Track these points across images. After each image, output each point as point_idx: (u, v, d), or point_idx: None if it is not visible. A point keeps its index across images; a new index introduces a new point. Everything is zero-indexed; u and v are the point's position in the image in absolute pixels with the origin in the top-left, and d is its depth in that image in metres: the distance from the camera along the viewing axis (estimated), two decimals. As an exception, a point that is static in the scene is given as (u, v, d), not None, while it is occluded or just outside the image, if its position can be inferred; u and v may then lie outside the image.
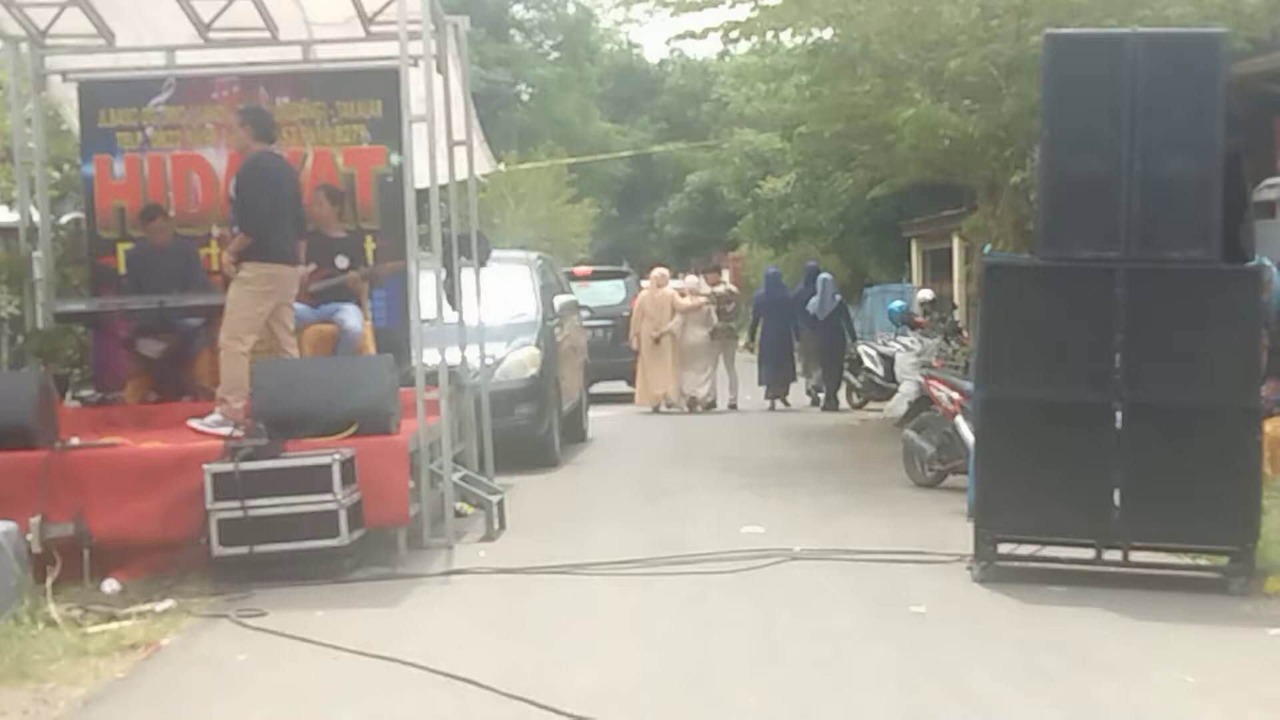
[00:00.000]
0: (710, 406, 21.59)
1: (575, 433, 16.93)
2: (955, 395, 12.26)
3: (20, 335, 12.53)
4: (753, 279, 37.28)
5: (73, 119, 12.87)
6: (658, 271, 22.73)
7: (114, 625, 7.90)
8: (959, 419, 12.11)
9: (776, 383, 22.13)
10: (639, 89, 60.81)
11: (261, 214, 10.35)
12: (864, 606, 8.29)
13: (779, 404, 21.94)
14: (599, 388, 21.48)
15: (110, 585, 8.81)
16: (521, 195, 37.44)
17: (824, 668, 6.99)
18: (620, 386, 22.63)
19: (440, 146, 11.69)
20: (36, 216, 12.37)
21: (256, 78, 12.24)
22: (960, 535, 9.49)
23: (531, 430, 14.56)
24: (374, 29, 12.06)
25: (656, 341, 21.05)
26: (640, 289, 23.15)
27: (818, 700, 6.45)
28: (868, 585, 8.81)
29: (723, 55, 31.64)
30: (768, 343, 22.40)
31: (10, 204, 13.31)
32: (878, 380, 19.75)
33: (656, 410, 21.18)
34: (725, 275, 23.88)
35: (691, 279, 23.44)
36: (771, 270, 24.38)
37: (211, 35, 12.24)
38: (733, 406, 21.72)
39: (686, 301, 21.45)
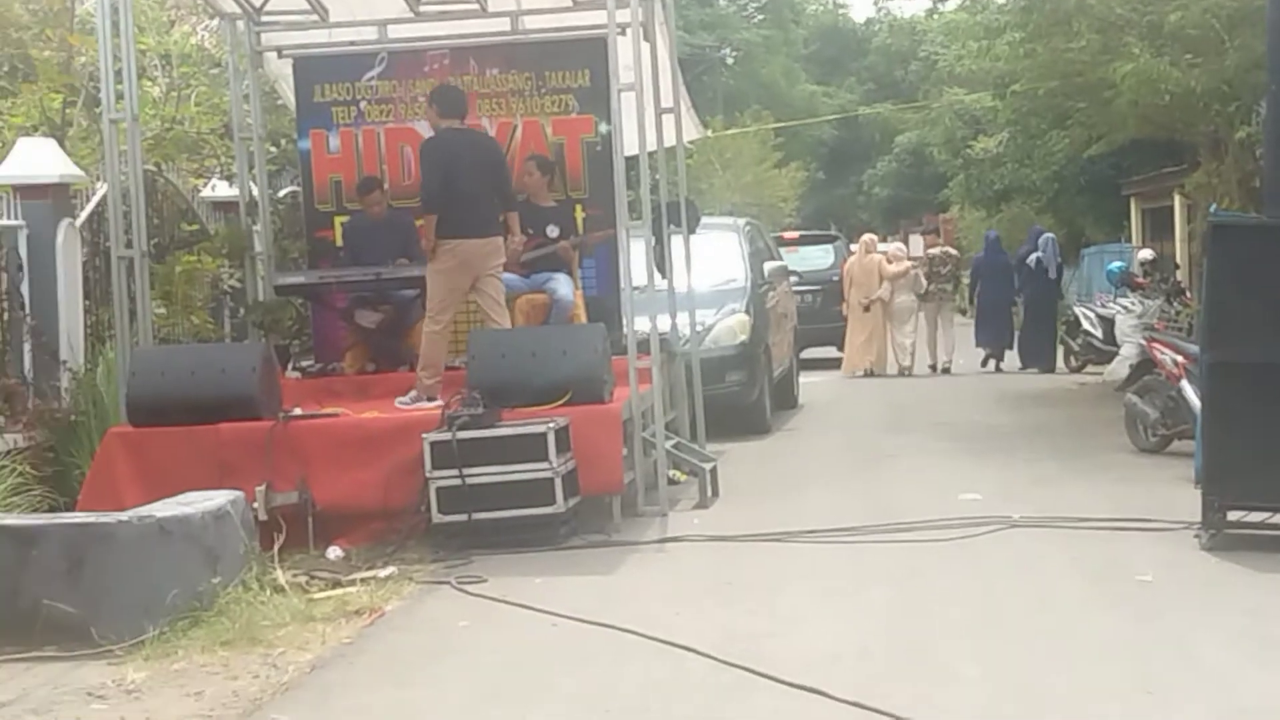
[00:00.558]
0: (936, 369, 21.58)
1: (786, 399, 16.85)
2: (1180, 358, 11.92)
3: (242, 308, 12.83)
4: (963, 240, 36.80)
5: (288, 94, 13.13)
6: (866, 237, 22.85)
7: (339, 591, 8.06)
8: (1184, 383, 11.77)
9: (993, 346, 22.15)
10: (845, 50, 60.15)
11: (432, 192, 10.44)
12: (1087, 575, 8.11)
13: (994, 366, 21.88)
14: (809, 353, 21.37)
15: (334, 552, 9.00)
16: (728, 161, 37.37)
17: (1048, 637, 6.84)
18: (830, 352, 22.51)
19: (648, 114, 11.68)
20: (255, 191, 12.67)
21: (466, 50, 12.36)
22: (1186, 502, 9.24)
23: (742, 397, 14.51)
24: (581, -2, 12.10)
25: (866, 309, 20.99)
26: (849, 254, 23.13)
27: (1043, 671, 6.32)
28: (1091, 553, 8.62)
29: (931, 13, 31.11)
30: (985, 305, 22.53)
31: (230, 179, 13.63)
32: (1097, 343, 19.33)
33: (867, 374, 21.09)
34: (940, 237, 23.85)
35: (897, 245, 23.39)
36: (992, 234, 24.62)
37: (422, 9, 12.38)
38: (945, 370, 21.61)
39: (894, 268, 21.51)
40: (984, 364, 22.02)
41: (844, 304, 21.60)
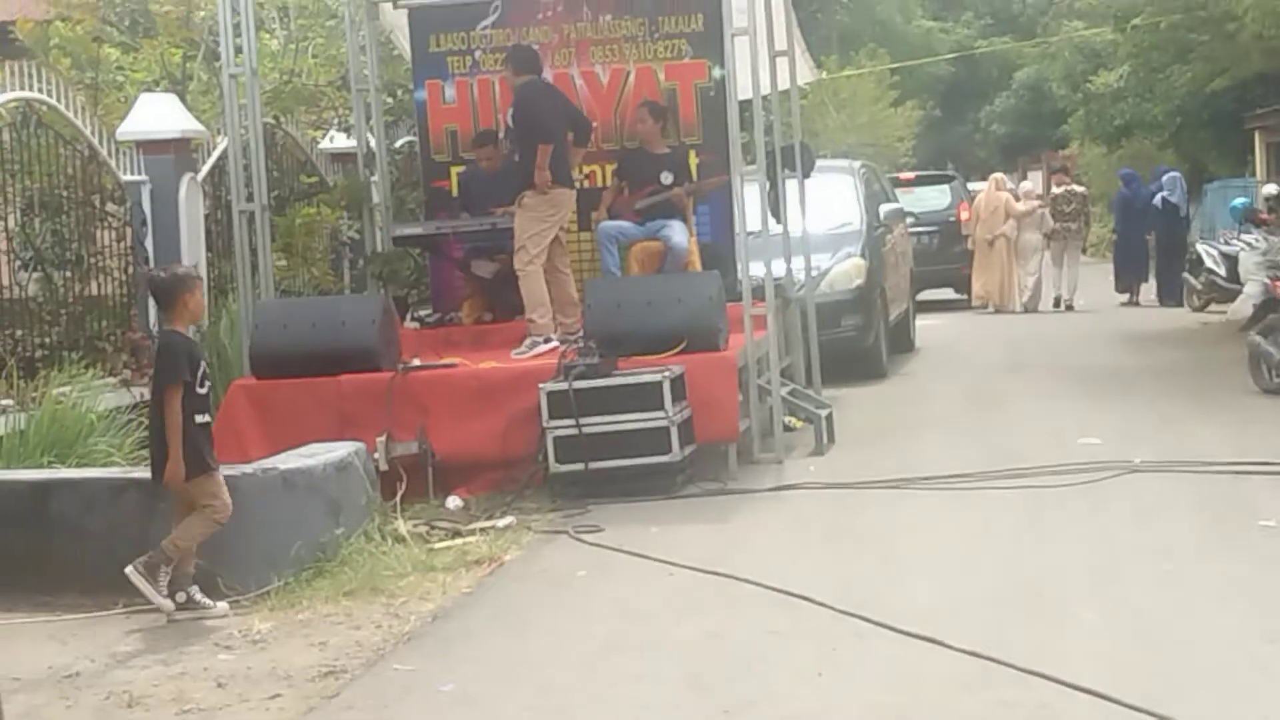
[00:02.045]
0: (1060, 305, 21.75)
1: (902, 342, 16.75)
2: (1305, 296, 11.70)
3: (361, 259, 12.96)
4: (1083, 176, 36.25)
5: (404, 45, 13.20)
6: (995, 175, 23.40)
7: (458, 541, 8.16)
8: (1310, 321, 11.56)
9: (1129, 281, 22.44)
10: (962, -17, 59.21)
11: (555, 125, 10.63)
12: (1209, 520, 8.03)
13: (1131, 300, 22.16)
14: (926, 295, 21.25)
15: (454, 502, 9.11)
16: (843, 101, 36.96)
17: (1168, 585, 6.79)
18: (948, 294, 22.40)
19: (762, 58, 11.61)
20: (373, 142, 12.75)
21: (580, -3, 12.34)
22: (1312, 445, 9.09)
23: (858, 341, 14.42)
24: (695, -59, 12.02)
25: (991, 244, 21.26)
26: (968, 193, 23.27)
27: (1162, 619, 6.27)
28: (1213, 498, 8.52)
29: (1053, -55, 30.63)
30: (1122, 241, 22.81)
31: (348, 130, 13.74)
32: (1220, 281, 18.98)
33: (988, 310, 21.27)
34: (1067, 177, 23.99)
35: (1026, 184, 23.67)
36: (1127, 170, 24.70)
37: (535, -44, 12.36)
38: (1069, 307, 21.58)
39: (1020, 206, 21.75)
40: (1127, 302, 22.23)
41: (970, 240, 21.86)
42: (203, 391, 7.16)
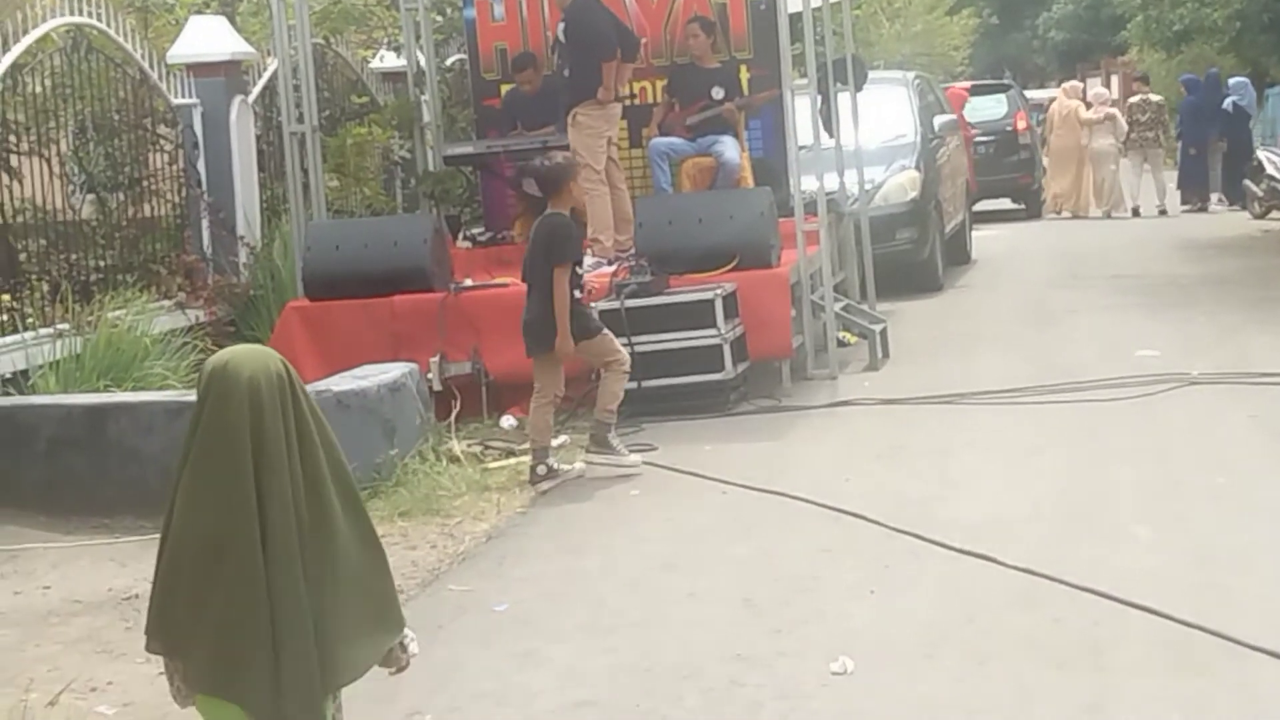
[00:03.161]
0: (1141, 212, 21.62)
1: (958, 254, 16.61)
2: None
3: (413, 178, 12.95)
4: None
5: (452, -38, 13.12)
6: (1069, 84, 23.90)
7: (513, 460, 8.19)
8: (1371, 230, 11.39)
9: (1195, 187, 22.29)
10: (1021, -117, 58.23)
11: (613, 39, 10.52)
12: (1267, 433, 7.98)
13: (1199, 206, 21.97)
14: (983, 205, 21.08)
15: (508, 421, 9.13)
16: (896, 11, 36.54)
17: (1224, 499, 6.77)
18: (1005, 204, 22.21)
19: (813, -31, 11.48)
20: (423, 61, 12.70)
21: (627, -89, 12.19)
22: (1373, 355, 8.99)
23: (913, 255, 14.30)
24: None
25: (1064, 151, 21.62)
26: (1026, 101, 23.28)
27: (1217, 533, 6.26)
28: (1271, 410, 8.46)
29: None
30: (1188, 148, 22.67)
31: (398, 50, 13.69)
32: (1281, 188, 18.77)
33: (1060, 216, 21.62)
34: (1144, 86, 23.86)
35: (1100, 89, 23.80)
36: (1189, 76, 24.48)
37: None
38: (1135, 213, 21.50)
39: (1090, 114, 21.82)
40: (1194, 208, 22.03)
41: (1045, 147, 22.17)
42: (581, 271, 7.90)
